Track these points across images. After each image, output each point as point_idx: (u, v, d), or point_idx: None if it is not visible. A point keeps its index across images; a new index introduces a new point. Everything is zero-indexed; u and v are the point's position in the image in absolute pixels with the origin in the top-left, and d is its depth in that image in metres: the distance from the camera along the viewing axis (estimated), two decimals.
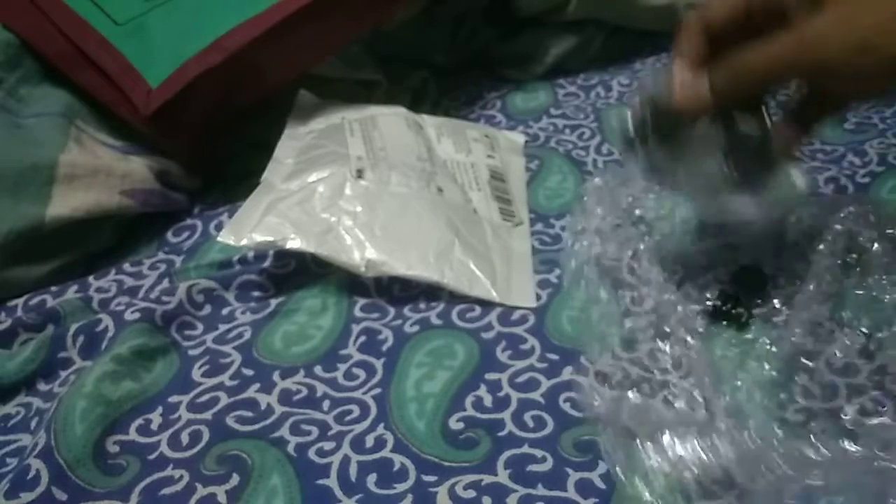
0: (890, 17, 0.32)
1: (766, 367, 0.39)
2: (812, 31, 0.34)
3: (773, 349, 0.39)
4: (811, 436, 0.34)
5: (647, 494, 0.33)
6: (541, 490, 0.34)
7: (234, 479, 0.35)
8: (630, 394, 0.37)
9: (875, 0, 0.32)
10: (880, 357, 0.38)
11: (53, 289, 0.46)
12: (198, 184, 0.55)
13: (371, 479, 0.35)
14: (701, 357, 0.38)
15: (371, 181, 0.48)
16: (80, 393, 0.37)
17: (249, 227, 0.44)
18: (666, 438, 0.34)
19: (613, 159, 0.57)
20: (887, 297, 0.40)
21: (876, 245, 0.42)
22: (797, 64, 0.34)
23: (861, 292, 0.41)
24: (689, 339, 0.39)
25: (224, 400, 0.39)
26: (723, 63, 0.36)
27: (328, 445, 0.37)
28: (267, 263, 0.47)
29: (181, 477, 0.35)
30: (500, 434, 0.37)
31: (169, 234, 0.51)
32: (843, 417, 0.36)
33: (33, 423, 0.39)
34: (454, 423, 0.37)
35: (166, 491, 0.35)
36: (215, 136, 0.55)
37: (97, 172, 0.48)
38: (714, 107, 0.37)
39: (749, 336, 0.41)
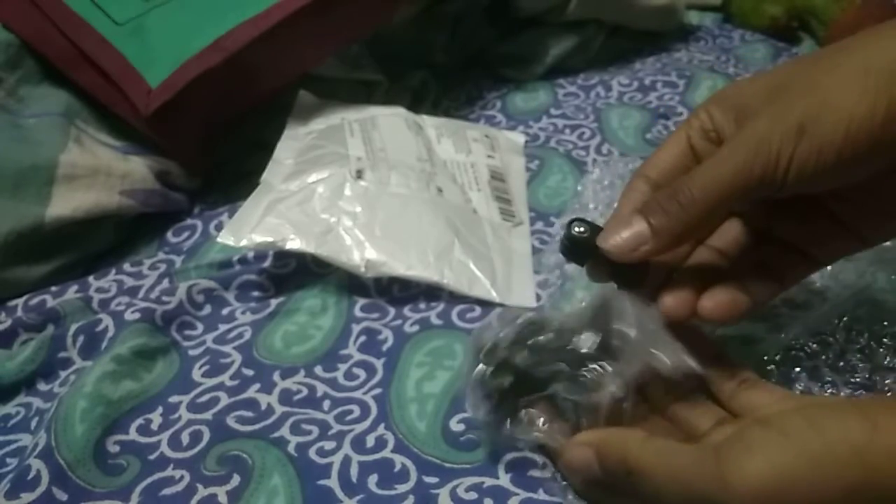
0: (816, 103, 0.28)
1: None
2: (751, 130, 0.29)
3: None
4: None
5: None
6: (542, 495, 0.34)
7: (235, 480, 0.35)
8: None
9: (784, 107, 0.29)
10: None
11: (53, 289, 0.46)
12: (198, 184, 0.55)
13: (372, 479, 0.35)
14: None
15: (371, 182, 0.48)
16: (80, 393, 0.37)
17: (249, 228, 0.44)
18: None
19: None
20: None
21: None
22: (752, 171, 0.28)
23: None
24: None
25: (224, 400, 0.39)
26: (659, 198, 0.31)
27: (329, 445, 0.37)
28: (267, 263, 0.47)
29: (182, 477, 0.35)
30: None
31: (169, 234, 0.51)
32: None
33: (33, 423, 0.39)
34: (455, 425, 0.37)
35: (167, 491, 0.35)
36: (215, 136, 0.55)
37: (97, 172, 0.48)
38: (657, 251, 0.31)
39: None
